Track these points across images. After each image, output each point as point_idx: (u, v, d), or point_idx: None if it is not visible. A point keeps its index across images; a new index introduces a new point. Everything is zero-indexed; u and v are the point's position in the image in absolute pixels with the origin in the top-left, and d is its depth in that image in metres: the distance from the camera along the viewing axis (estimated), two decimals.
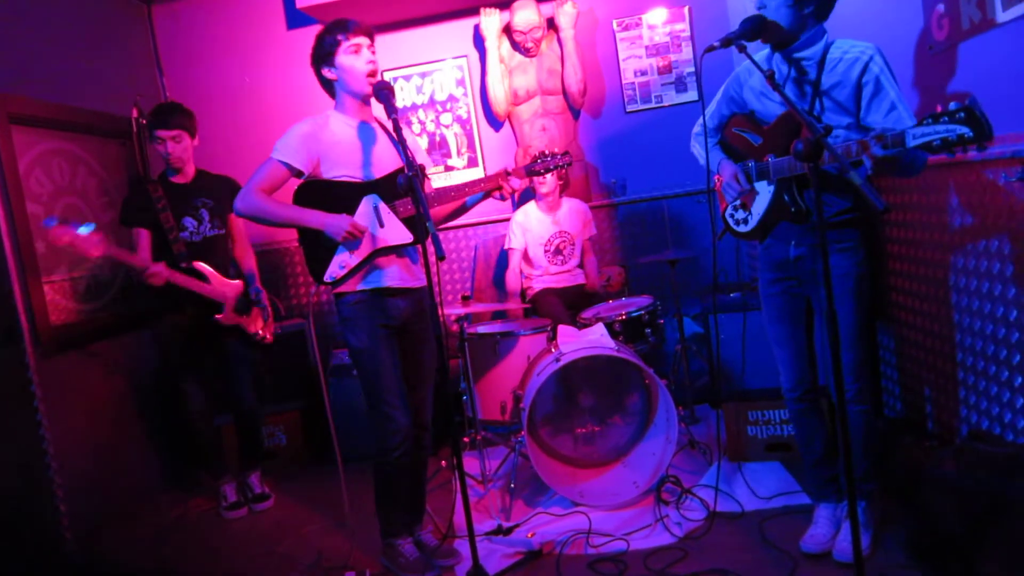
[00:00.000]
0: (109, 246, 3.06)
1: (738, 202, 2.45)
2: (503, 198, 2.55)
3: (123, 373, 3.77)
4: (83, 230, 2.98)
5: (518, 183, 2.52)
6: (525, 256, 4.04)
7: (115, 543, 3.28)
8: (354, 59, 2.42)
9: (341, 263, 2.46)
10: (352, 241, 2.43)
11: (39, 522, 3.12)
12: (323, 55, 2.44)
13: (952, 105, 1.73)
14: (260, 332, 3.47)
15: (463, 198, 2.57)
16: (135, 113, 4.01)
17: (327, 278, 2.48)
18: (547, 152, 2.60)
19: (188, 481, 3.88)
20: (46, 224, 2.99)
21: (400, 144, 2.24)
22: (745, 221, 2.44)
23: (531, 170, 2.57)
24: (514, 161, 4.40)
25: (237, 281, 3.41)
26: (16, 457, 3.04)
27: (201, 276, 3.29)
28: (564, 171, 3.97)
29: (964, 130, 1.71)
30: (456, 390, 3.66)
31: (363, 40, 2.43)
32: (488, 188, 2.54)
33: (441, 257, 1.99)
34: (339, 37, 2.40)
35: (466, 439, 3.46)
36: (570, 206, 4.03)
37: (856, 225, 2.28)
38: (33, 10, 3.44)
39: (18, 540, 2.95)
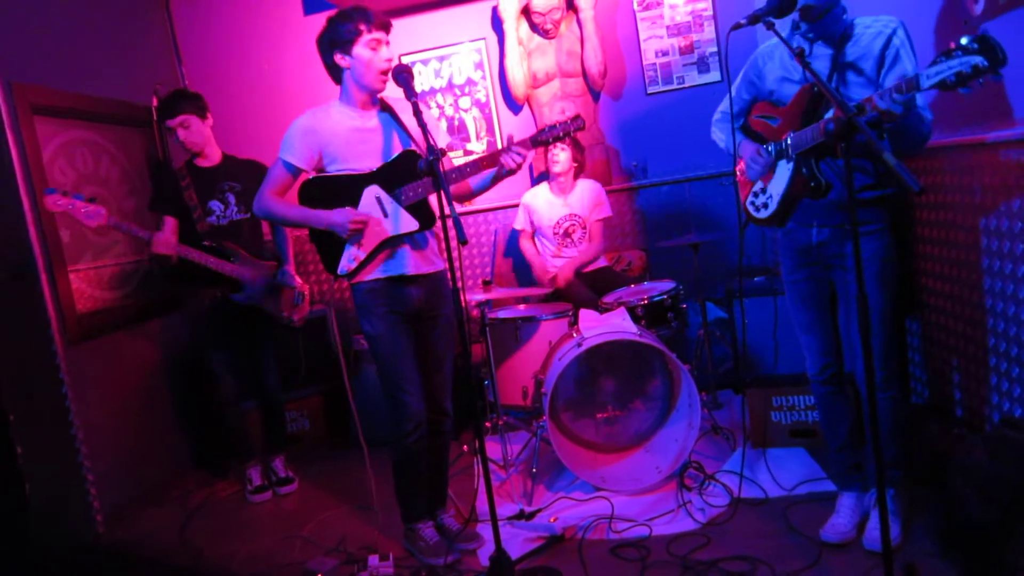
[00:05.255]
0: (110, 217, 3.05)
1: (760, 185, 2.40)
2: (510, 171, 2.37)
3: (149, 359, 3.81)
4: (79, 199, 2.99)
5: (519, 158, 2.35)
6: (533, 238, 4.00)
7: (143, 525, 3.34)
8: (372, 54, 2.37)
9: (351, 257, 2.46)
10: (358, 234, 2.42)
11: (71, 505, 3.19)
12: (340, 41, 2.37)
13: (963, 39, 1.69)
14: (286, 315, 3.46)
15: (466, 179, 2.46)
16: (155, 101, 4.03)
17: (340, 271, 2.48)
18: (557, 122, 2.40)
19: (214, 465, 3.93)
20: (46, 192, 2.97)
21: (421, 127, 2.23)
22: (765, 205, 2.39)
23: (537, 140, 2.39)
24: None
25: (270, 263, 3.43)
26: (47, 443, 3.10)
27: (226, 255, 3.29)
28: (580, 154, 3.89)
29: (978, 60, 1.67)
30: (478, 375, 3.66)
31: (382, 36, 2.38)
32: (489, 164, 2.40)
33: (463, 242, 1.98)
34: (360, 26, 2.34)
35: (488, 424, 3.47)
36: (583, 187, 3.94)
37: (881, 205, 2.23)
38: (52, 1, 3.45)
39: (51, 525, 3.01)
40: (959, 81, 1.71)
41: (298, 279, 3.51)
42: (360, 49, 2.36)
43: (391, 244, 2.48)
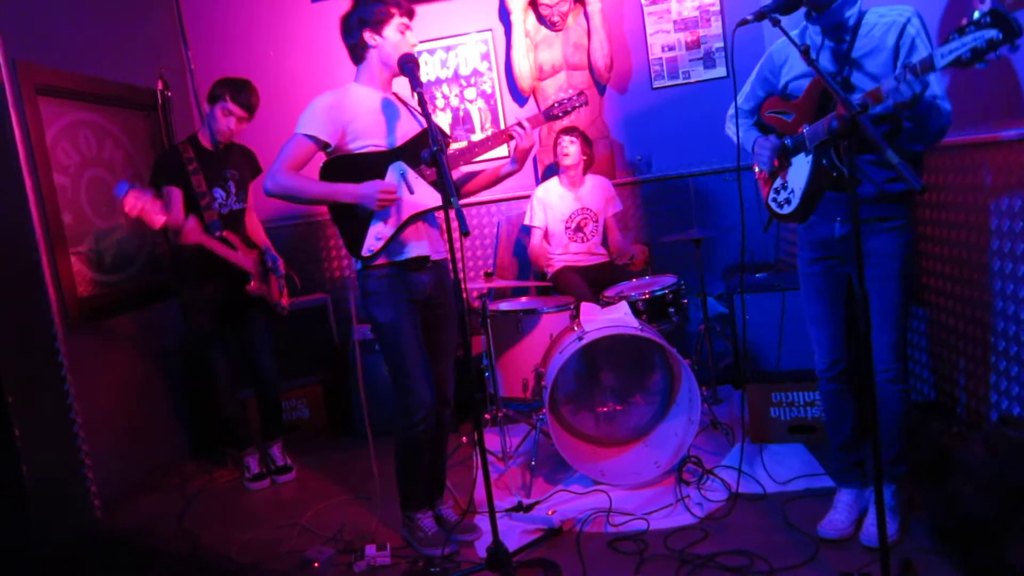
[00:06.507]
0: (167, 213, 3.05)
1: (780, 182, 2.39)
2: (524, 151, 2.53)
3: (149, 344, 3.81)
4: (149, 194, 2.97)
5: (524, 135, 2.52)
6: (545, 234, 4.00)
7: (141, 511, 3.35)
8: (400, 37, 2.45)
9: (377, 235, 2.45)
10: (386, 207, 2.41)
11: (69, 492, 3.18)
12: (372, 20, 2.42)
13: (976, 14, 1.65)
14: (280, 302, 3.44)
15: (473, 157, 2.55)
16: (160, 85, 4.02)
17: (365, 251, 2.46)
18: (564, 98, 2.64)
19: (213, 452, 3.93)
20: (118, 192, 2.91)
21: (425, 116, 2.23)
22: (788, 201, 2.38)
23: (550, 114, 2.60)
24: (538, 140, 4.35)
25: (253, 251, 3.40)
26: (46, 426, 3.09)
27: (231, 245, 3.27)
28: (589, 148, 3.91)
29: (992, 33, 1.62)
30: (478, 367, 3.66)
31: (409, 22, 2.48)
32: (498, 142, 2.53)
33: (465, 233, 1.98)
34: (393, 10, 2.43)
35: (487, 416, 3.47)
36: (593, 183, 3.97)
37: (905, 201, 2.21)
38: None
39: (49, 510, 3.01)
40: (975, 57, 1.66)
41: (283, 266, 3.48)
42: (391, 30, 2.43)
43: (414, 222, 2.49)
